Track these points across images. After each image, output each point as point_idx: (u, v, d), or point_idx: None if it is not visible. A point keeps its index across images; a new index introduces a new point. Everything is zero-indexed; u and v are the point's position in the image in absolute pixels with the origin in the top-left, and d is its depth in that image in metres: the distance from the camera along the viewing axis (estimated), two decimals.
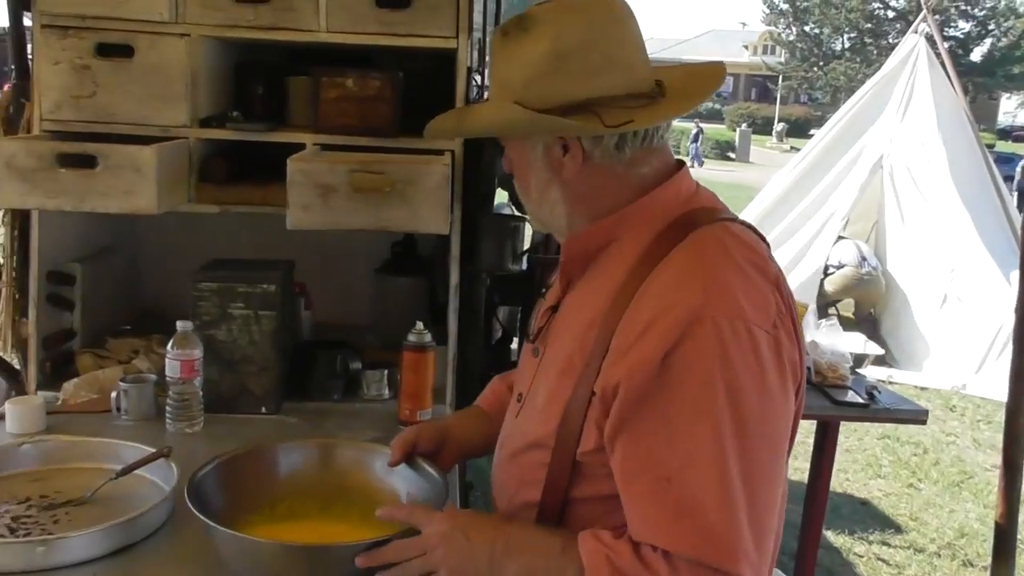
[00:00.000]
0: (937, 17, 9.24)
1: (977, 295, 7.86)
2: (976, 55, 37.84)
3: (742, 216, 1.53)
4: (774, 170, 13.05)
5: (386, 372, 2.63)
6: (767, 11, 41.34)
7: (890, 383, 6.66)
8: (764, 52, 51.72)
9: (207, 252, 2.62)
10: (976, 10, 37.34)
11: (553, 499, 1.45)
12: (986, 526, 5.07)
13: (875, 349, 6.66)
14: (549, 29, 1.41)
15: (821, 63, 39.75)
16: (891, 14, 37.70)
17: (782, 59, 43.79)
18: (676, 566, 1.26)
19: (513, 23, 1.45)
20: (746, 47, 58.63)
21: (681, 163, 1.53)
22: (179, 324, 2.31)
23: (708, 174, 19.83)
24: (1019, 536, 3.39)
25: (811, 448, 3.58)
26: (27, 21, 2.72)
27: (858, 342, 5.81)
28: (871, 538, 4.86)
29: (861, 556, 4.66)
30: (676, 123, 1.73)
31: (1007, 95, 44.75)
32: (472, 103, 2.70)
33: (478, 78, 3.12)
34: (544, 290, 1.69)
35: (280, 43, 2.58)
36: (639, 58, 1.46)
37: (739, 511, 1.26)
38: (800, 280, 8.21)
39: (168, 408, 2.32)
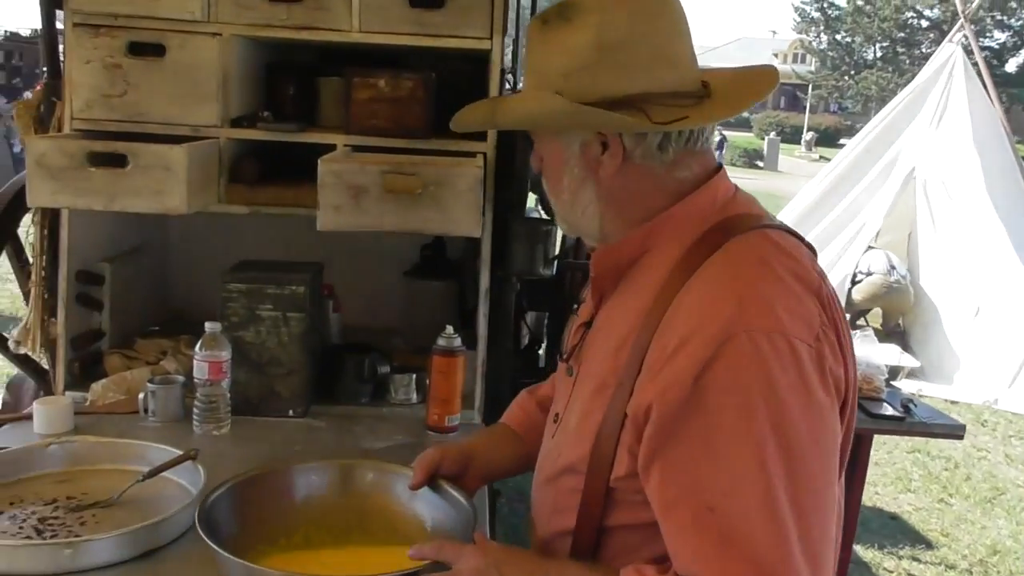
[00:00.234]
0: (972, 27, 9.14)
1: (1010, 308, 7.75)
2: (1011, 66, 37.41)
3: None
4: (802, 179, 12.98)
5: (414, 376, 2.61)
6: (798, 19, 41.13)
7: (920, 396, 6.58)
8: (794, 60, 51.48)
9: (236, 253, 2.61)
10: (1012, 20, 36.98)
11: (587, 527, 1.38)
12: (1019, 543, 5.01)
13: (911, 361, 6.59)
14: (594, 18, 1.34)
15: (852, 72, 39.49)
16: (925, 23, 37.39)
17: (812, 68, 43.53)
18: None
19: (554, 11, 1.38)
20: (776, 55, 58.34)
21: (719, 167, 1.45)
22: (207, 325, 2.30)
23: (735, 182, 19.50)
24: None
25: None
26: (59, 25, 2.72)
27: (893, 354, 5.74)
28: (901, 553, 4.78)
29: (891, 572, 4.59)
30: None
31: None
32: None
33: (511, 79, 3.10)
34: (576, 305, 1.63)
35: (312, 43, 2.56)
36: (687, 54, 1.39)
37: (790, 540, 1.17)
38: None
39: (195, 410, 2.31)
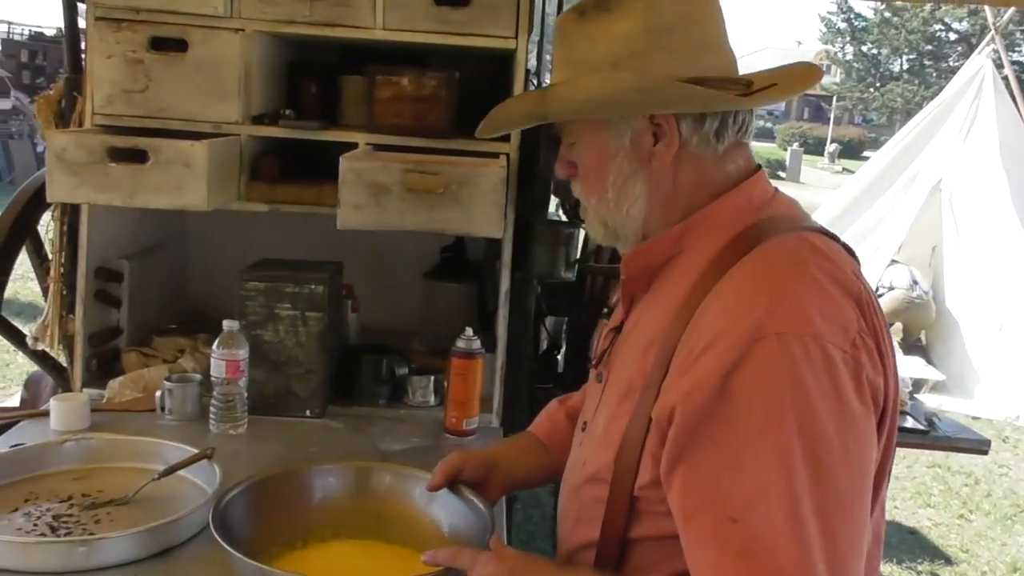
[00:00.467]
0: (1003, 40, 9.06)
1: None
2: None
3: None
4: (825, 191, 12.93)
5: (432, 378, 2.58)
6: (824, 29, 41.06)
7: (941, 411, 6.52)
8: None
9: (255, 252, 2.60)
10: None
11: (611, 539, 1.32)
12: None
13: (935, 375, 6.51)
14: (639, 5, 1.30)
15: (878, 84, 39.36)
16: (953, 36, 37.22)
17: (838, 79, 43.38)
18: None
19: (590, 3, 1.35)
20: None
21: (758, 167, 1.40)
22: (225, 323, 2.28)
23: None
24: None
25: None
26: (81, 22, 2.71)
27: (917, 366, 5.68)
28: (920, 568, 4.74)
29: None
30: None
31: None
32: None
33: (535, 81, 3.07)
34: (605, 309, 1.60)
35: (335, 40, 2.54)
36: (729, 42, 1.37)
37: (813, 556, 1.10)
38: None
39: (212, 409, 2.29)
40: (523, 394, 2.77)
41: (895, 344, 1.27)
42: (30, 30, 20.35)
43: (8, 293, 2.94)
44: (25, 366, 5.53)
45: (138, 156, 2.24)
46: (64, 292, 2.65)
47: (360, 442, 2.33)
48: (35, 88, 14.79)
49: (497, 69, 2.63)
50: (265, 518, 1.62)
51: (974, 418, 7.24)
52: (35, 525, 1.75)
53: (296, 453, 2.20)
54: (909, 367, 3.96)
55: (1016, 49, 35.02)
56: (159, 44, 2.42)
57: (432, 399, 2.59)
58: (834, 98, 42.44)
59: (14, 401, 3.69)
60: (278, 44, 2.64)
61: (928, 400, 6.76)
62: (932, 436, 3.26)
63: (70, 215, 2.61)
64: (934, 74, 36.19)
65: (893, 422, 1.29)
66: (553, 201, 3.32)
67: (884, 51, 39.44)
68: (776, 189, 1.41)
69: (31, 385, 3.32)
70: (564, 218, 3.31)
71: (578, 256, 3.24)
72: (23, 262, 3.01)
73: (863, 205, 8.95)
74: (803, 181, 30.05)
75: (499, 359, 2.59)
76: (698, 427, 1.17)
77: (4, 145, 15.26)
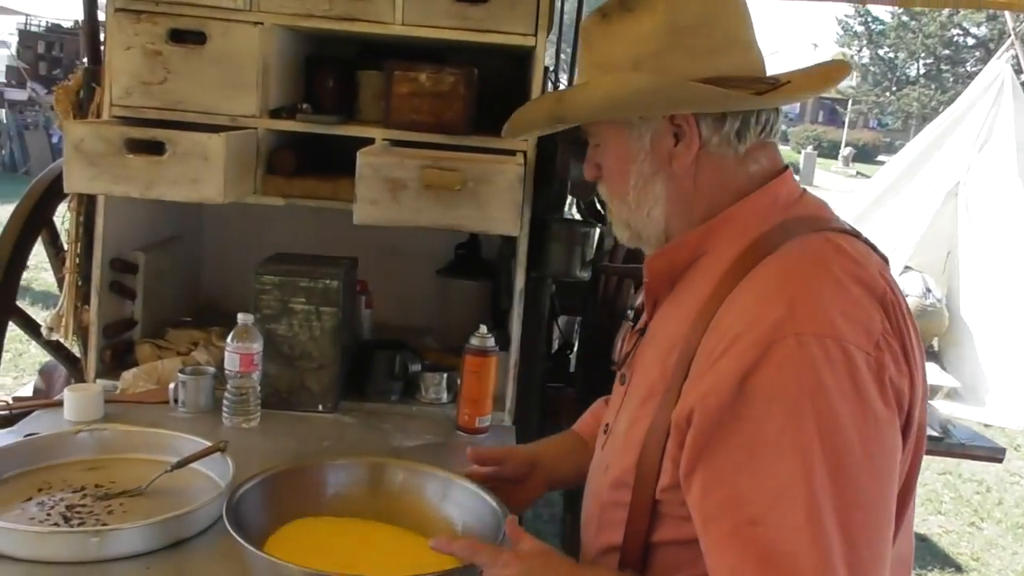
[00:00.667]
0: (1022, 45, 9.01)
1: None
2: None
3: None
4: (838, 194, 12.85)
5: (445, 376, 2.58)
6: (841, 32, 40.88)
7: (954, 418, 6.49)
8: None
9: (270, 246, 2.60)
10: None
11: (634, 543, 1.30)
12: None
13: (950, 381, 6.47)
14: (662, 4, 1.29)
15: (894, 88, 39.18)
16: (971, 41, 37.01)
17: (853, 82, 43.18)
18: None
19: (614, 3, 1.33)
20: None
21: (785, 167, 1.38)
22: (240, 316, 2.28)
23: None
24: None
25: None
26: (101, 14, 2.72)
27: (932, 372, 5.65)
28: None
29: None
30: None
31: None
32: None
33: (553, 79, 3.06)
34: (631, 312, 1.58)
35: (353, 35, 2.54)
36: (755, 40, 1.35)
37: (834, 562, 1.08)
38: None
39: (225, 402, 2.29)
40: (536, 393, 2.76)
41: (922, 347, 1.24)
42: (47, 22, 20.40)
43: (22, 282, 2.95)
44: (38, 356, 5.54)
45: (155, 148, 2.25)
46: (79, 283, 2.65)
47: (372, 438, 2.33)
48: (51, 79, 14.82)
49: (515, 67, 2.62)
50: (278, 512, 1.62)
51: (986, 426, 7.20)
52: (48, 515, 1.74)
53: (308, 448, 2.20)
54: None
55: None
56: (178, 36, 2.42)
57: (445, 396, 2.58)
58: (849, 101, 42.24)
59: (27, 390, 3.70)
60: (296, 38, 2.63)
61: (941, 407, 6.73)
62: (947, 443, 3.24)
63: (86, 206, 2.61)
64: (951, 79, 35.99)
65: (921, 429, 1.26)
66: (573, 202, 3.31)
67: (901, 55, 39.24)
68: (804, 190, 1.39)
69: (45, 375, 3.33)
70: (580, 217, 3.31)
71: (593, 255, 3.23)
72: (38, 252, 3.01)
73: (880, 208, 8.91)
74: (817, 184, 29.95)
75: (512, 357, 2.58)
76: (716, 429, 1.15)
77: (20, 136, 15.32)
